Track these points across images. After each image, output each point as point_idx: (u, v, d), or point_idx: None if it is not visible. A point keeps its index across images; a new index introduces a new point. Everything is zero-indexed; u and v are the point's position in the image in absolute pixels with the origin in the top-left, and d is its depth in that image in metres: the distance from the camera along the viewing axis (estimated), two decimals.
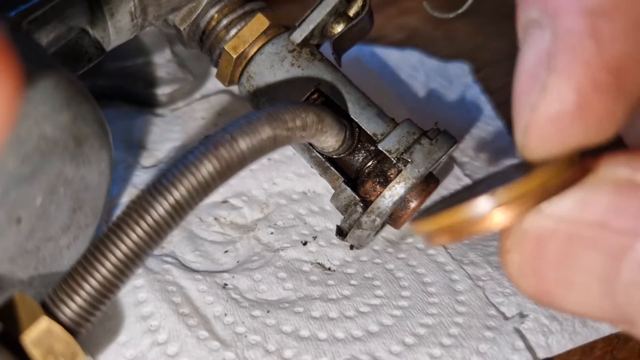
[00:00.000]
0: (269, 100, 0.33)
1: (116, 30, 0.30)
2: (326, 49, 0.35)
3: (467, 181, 0.38)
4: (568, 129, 0.16)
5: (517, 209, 0.16)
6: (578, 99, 0.16)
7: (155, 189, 0.23)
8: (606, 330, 0.32)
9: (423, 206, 0.32)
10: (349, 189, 0.32)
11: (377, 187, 0.32)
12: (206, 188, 0.24)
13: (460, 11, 0.31)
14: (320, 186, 0.37)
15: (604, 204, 0.17)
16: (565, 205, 0.17)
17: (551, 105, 0.16)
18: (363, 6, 0.34)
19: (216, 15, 0.34)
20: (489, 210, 0.16)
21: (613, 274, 0.17)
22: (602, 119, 0.16)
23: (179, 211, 0.23)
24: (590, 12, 0.15)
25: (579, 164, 0.17)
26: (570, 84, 0.16)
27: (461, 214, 0.17)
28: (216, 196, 0.36)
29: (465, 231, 0.17)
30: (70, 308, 0.23)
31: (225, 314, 0.31)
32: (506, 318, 0.31)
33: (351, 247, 0.34)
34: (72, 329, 0.23)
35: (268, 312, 0.31)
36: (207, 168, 0.23)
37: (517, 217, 0.17)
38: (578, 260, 0.17)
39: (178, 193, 0.23)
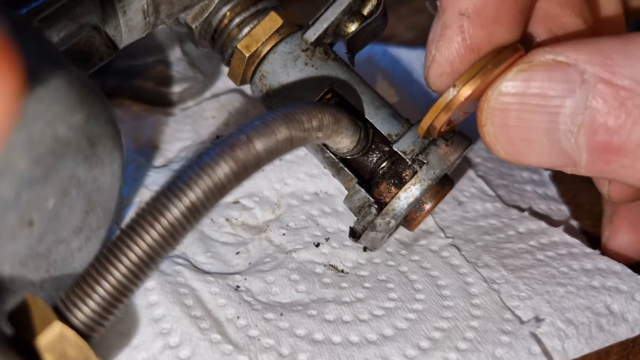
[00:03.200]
0: (282, 100, 0.33)
1: (128, 29, 0.30)
2: (338, 47, 0.34)
3: (480, 182, 0.38)
4: (455, 65, 0.27)
5: (474, 84, 0.26)
6: (452, 55, 0.27)
7: (170, 190, 0.23)
8: (622, 335, 0.32)
9: None
10: (363, 190, 0.32)
11: (392, 188, 0.31)
12: (222, 190, 0.23)
13: None
14: (333, 187, 0.36)
15: (540, 79, 0.25)
16: (515, 85, 0.25)
17: (440, 53, 0.27)
18: (377, 5, 0.33)
19: (228, 14, 0.33)
20: (458, 90, 0.26)
21: (554, 127, 0.25)
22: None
23: (194, 213, 0.23)
24: (458, 13, 0.27)
25: (504, 52, 0.26)
26: (450, 47, 0.27)
27: (443, 100, 0.26)
28: (227, 197, 0.35)
29: (450, 108, 0.26)
30: (83, 312, 0.23)
31: (238, 317, 0.30)
32: (522, 322, 0.31)
33: (364, 249, 0.34)
34: (85, 334, 0.23)
35: (281, 315, 0.31)
36: (223, 169, 0.23)
37: (477, 89, 0.26)
38: (530, 122, 0.25)
39: (193, 195, 0.23)
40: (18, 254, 0.24)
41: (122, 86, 0.40)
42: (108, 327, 0.23)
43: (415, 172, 0.31)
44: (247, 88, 0.41)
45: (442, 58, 0.27)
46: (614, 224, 0.34)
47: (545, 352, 0.30)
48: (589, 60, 0.24)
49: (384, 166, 0.32)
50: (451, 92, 0.26)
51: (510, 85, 0.25)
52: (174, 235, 0.23)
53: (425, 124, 0.28)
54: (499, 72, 0.26)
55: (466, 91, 0.25)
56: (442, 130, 0.28)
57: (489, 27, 0.26)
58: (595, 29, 0.30)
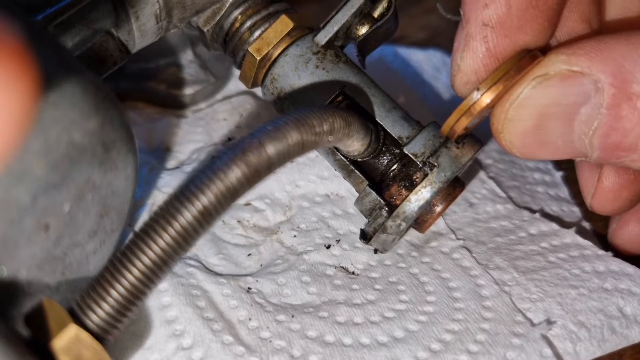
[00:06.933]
0: (293, 103, 0.33)
1: (141, 33, 0.30)
2: (349, 49, 0.34)
3: (491, 184, 0.38)
4: (480, 73, 0.28)
5: (496, 90, 0.26)
6: (477, 65, 0.28)
7: (183, 194, 0.23)
8: (635, 337, 0.31)
9: None
10: (374, 192, 0.32)
11: (403, 191, 0.31)
12: (234, 194, 0.24)
13: None
14: (344, 189, 0.37)
15: (556, 90, 0.26)
16: (533, 97, 0.26)
17: (465, 63, 0.28)
18: (388, 7, 0.33)
19: (240, 17, 0.33)
20: (480, 95, 0.27)
21: (569, 131, 0.26)
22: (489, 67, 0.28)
23: (207, 217, 0.23)
24: (482, 23, 0.27)
25: (525, 59, 0.27)
26: (474, 57, 0.27)
27: (465, 104, 0.27)
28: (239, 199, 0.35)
29: (472, 113, 0.27)
30: (98, 315, 0.23)
31: (250, 319, 0.31)
32: (533, 324, 0.31)
33: (375, 251, 0.34)
34: (99, 336, 0.23)
35: (292, 316, 0.31)
36: (235, 174, 0.23)
37: (497, 96, 0.27)
38: (547, 128, 0.27)
39: (206, 199, 0.23)
40: (35, 258, 0.24)
41: (135, 89, 0.40)
42: (122, 330, 0.24)
43: (426, 175, 0.31)
44: (258, 90, 0.41)
45: (467, 67, 0.27)
46: (623, 216, 0.35)
47: (557, 355, 0.30)
48: (602, 70, 0.25)
49: (395, 169, 0.32)
50: (474, 96, 0.27)
51: (528, 97, 0.26)
52: (186, 238, 0.23)
53: (448, 125, 0.28)
54: (519, 78, 0.26)
55: (489, 97, 0.27)
56: (460, 134, 0.29)
57: (513, 36, 0.27)
58: (602, 32, 0.30)
